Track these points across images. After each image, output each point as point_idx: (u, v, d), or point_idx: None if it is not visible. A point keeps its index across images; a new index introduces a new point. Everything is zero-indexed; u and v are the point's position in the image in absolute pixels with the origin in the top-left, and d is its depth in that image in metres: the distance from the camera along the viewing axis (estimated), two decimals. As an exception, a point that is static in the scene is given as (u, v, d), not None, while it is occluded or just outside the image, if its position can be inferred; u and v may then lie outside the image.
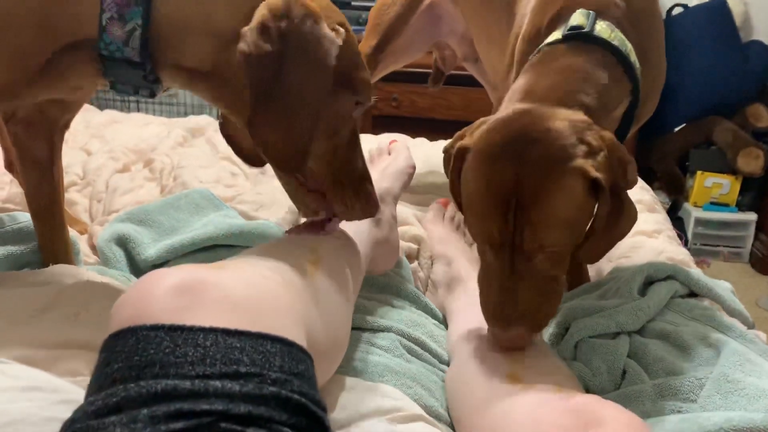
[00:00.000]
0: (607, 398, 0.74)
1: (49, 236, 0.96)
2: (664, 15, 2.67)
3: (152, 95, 0.73)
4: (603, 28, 0.80)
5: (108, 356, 0.44)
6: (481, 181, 0.71)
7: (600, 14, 0.82)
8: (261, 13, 0.63)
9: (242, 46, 0.63)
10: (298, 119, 0.65)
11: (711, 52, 2.50)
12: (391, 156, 1.15)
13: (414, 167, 1.14)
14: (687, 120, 2.65)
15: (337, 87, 0.68)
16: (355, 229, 0.85)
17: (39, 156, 0.92)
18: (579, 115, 0.72)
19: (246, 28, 0.63)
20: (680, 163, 2.68)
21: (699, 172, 2.55)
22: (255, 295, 0.50)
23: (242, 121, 0.69)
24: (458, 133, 0.79)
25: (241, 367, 0.43)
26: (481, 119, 0.76)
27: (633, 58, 0.81)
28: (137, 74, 0.70)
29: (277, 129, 0.65)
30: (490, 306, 0.73)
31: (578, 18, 0.81)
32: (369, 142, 1.75)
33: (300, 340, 0.50)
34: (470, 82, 1.69)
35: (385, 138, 1.55)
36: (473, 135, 0.74)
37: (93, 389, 0.43)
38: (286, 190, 0.77)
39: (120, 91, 0.73)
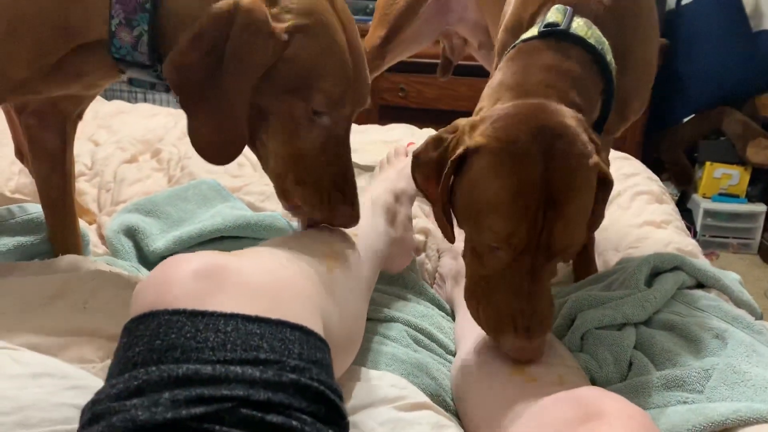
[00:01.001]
0: (614, 389, 0.74)
1: (60, 227, 0.97)
2: (673, 5, 2.65)
3: (168, 90, 0.74)
4: (579, 26, 0.78)
5: (129, 340, 0.44)
6: (507, 179, 0.66)
7: (578, 11, 0.79)
8: (200, 21, 0.65)
9: (171, 53, 0.65)
10: (219, 122, 0.67)
11: (721, 42, 2.48)
12: (398, 158, 1.15)
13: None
14: (696, 110, 2.63)
15: (283, 93, 0.68)
16: (371, 227, 0.86)
17: (51, 147, 0.93)
18: (578, 114, 0.71)
19: (182, 36, 0.65)
20: (689, 154, 2.66)
21: (708, 163, 2.53)
22: (274, 283, 0.50)
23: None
24: (432, 136, 0.75)
25: (261, 354, 0.43)
26: (469, 120, 0.73)
27: (609, 57, 0.79)
28: (149, 74, 0.73)
29: (202, 127, 0.67)
30: (505, 316, 0.67)
31: (554, 15, 0.79)
32: (375, 133, 1.76)
33: (318, 329, 0.50)
34: (478, 72, 1.68)
35: (404, 139, 1.54)
36: (475, 134, 0.70)
37: (115, 372, 0.43)
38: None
39: (137, 85, 0.77)
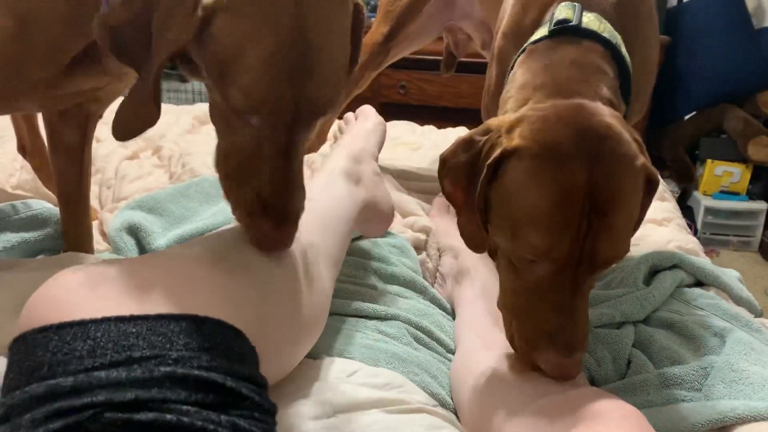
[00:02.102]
0: (612, 388, 0.75)
1: (73, 222, 0.97)
2: (675, 2, 2.65)
3: (183, 80, 0.73)
4: (591, 20, 0.76)
5: (6, 367, 0.43)
6: (548, 187, 0.60)
7: (585, 6, 0.77)
8: None
9: (102, 13, 0.60)
10: (133, 91, 0.61)
11: (722, 39, 2.47)
12: (359, 119, 1.16)
13: (384, 123, 1.15)
14: (697, 108, 2.63)
15: (212, 80, 0.59)
16: (331, 192, 0.84)
17: (70, 142, 0.94)
18: (615, 112, 0.67)
19: None
20: (690, 152, 2.66)
21: (709, 161, 2.53)
22: (163, 278, 0.48)
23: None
24: (462, 137, 0.69)
25: (135, 352, 0.41)
26: (503, 121, 0.67)
27: (623, 51, 0.77)
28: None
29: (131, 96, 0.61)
30: (543, 332, 0.62)
31: (564, 11, 0.77)
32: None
33: (221, 314, 0.48)
34: (480, 69, 1.69)
35: (405, 137, 1.54)
36: (513, 136, 0.64)
37: None
38: None
39: None
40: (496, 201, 0.65)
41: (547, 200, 0.60)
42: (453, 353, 0.84)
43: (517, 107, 0.71)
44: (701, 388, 0.71)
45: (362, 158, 0.98)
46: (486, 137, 0.67)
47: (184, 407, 0.41)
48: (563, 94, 0.69)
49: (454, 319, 0.93)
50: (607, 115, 0.64)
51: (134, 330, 0.42)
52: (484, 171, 0.64)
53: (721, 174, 2.53)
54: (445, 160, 0.70)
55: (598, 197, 0.59)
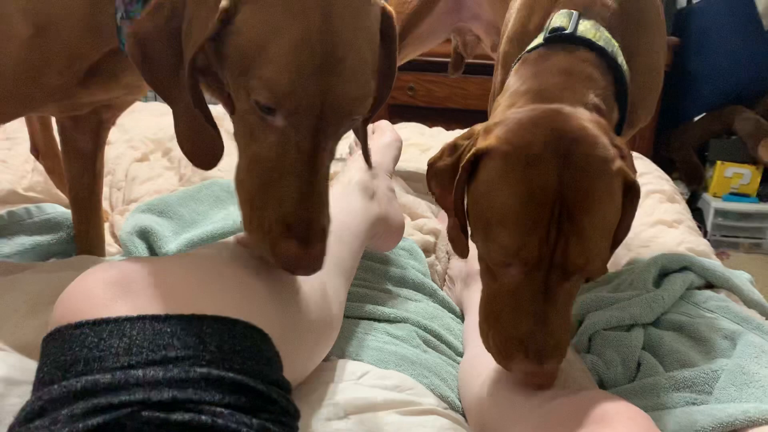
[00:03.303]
0: (621, 390, 0.75)
1: (86, 226, 0.98)
2: (684, 3, 2.64)
3: None
4: (587, 28, 0.76)
5: (40, 361, 0.44)
6: (517, 186, 0.60)
7: (584, 14, 0.77)
8: None
9: (130, 25, 0.60)
10: (185, 113, 0.58)
11: (733, 40, 2.46)
12: (376, 133, 1.16)
13: (400, 140, 1.16)
14: (707, 109, 2.61)
15: (236, 77, 0.56)
16: (347, 205, 0.85)
17: (83, 148, 0.95)
18: (599, 118, 0.67)
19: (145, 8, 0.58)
20: (700, 153, 2.64)
21: (719, 162, 2.52)
22: (194, 278, 0.49)
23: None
24: (448, 143, 0.71)
25: (170, 352, 0.42)
26: (482, 125, 0.68)
27: (620, 59, 0.76)
28: None
29: (179, 126, 0.60)
30: (514, 338, 0.62)
31: (559, 19, 0.77)
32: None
33: (250, 316, 0.48)
34: (488, 71, 1.69)
35: (414, 138, 1.54)
36: (488, 137, 0.65)
37: (31, 394, 0.43)
38: None
39: None
40: (471, 202, 0.66)
41: (515, 199, 0.60)
42: (462, 356, 0.84)
43: (503, 113, 0.71)
44: (712, 391, 0.71)
45: (377, 173, 0.98)
46: (468, 141, 0.68)
47: (218, 409, 0.41)
48: (545, 99, 0.69)
49: (463, 322, 0.93)
50: (585, 119, 0.64)
51: (169, 329, 0.43)
52: (460, 171, 0.65)
53: (731, 175, 2.51)
54: (431, 165, 0.71)
55: (568, 199, 0.59)
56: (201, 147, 0.61)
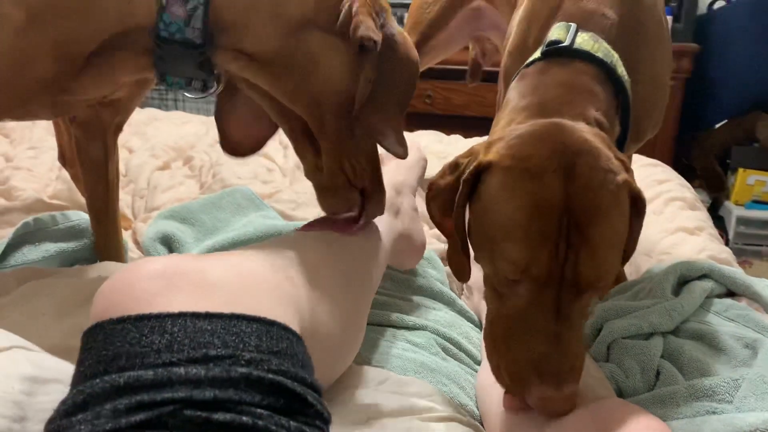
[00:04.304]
0: (641, 399, 0.74)
1: (104, 235, 1.00)
2: (705, 9, 2.62)
3: (205, 88, 0.71)
4: (585, 40, 0.75)
5: (81, 354, 0.44)
6: (522, 200, 0.59)
7: (583, 26, 0.76)
8: (359, 4, 0.63)
9: (367, 32, 0.64)
10: (391, 110, 0.69)
11: (753, 46, 2.43)
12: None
13: (426, 160, 1.17)
14: (729, 116, 2.59)
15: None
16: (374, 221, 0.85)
17: (95, 156, 0.96)
18: (599, 131, 0.67)
19: (360, 17, 0.64)
20: (721, 161, 2.62)
21: (741, 170, 2.49)
22: (235, 277, 0.49)
23: (298, 109, 0.70)
24: (448, 162, 0.70)
25: (210, 351, 0.41)
26: (483, 142, 0.68)
27: (620, 70, 0.75)
28: (192, 61, 0.67)
29: (381, 117, 0.69)
30: (528, 362, 0.59)
31: (557, 32, 0.76)
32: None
33: (286, 319, 0.48)
34: (505, 79, 1.69)
35: (431, 146, 1.54)
36: (489, 152, 0.64)
37: (71, 388, 0.43)
38: (316, 185, 0.75)
39: (170, 84, 0.70)
40: (474, 219, 0.65)
41: (521, 212, 0.59)
42: (480, 364, 0.85)
43: (503, 129, 0.70)
44: (732, 401, 0.71)
45: (403, 191, 0.99)
46: (469, 158, 0.67)
47: (258, 410, 0.41)
48: (545, 114, 0.68)
49: (481, 330, 0.93)
50: (587, 132, 0.64)
51: (209, 328, 0.43)
52: (461, 186, 0.64)
53: (753, 183, 2.48)
54: (432, 184, 0.70)
55: (575, 212, 0.58)
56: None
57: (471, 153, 0.68)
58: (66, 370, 0.56)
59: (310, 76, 0.67)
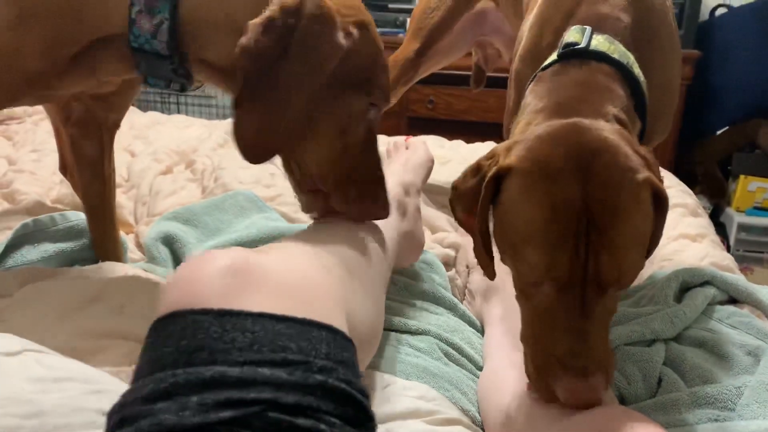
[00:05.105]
0: (643, 406, 0.74)
1: (101, 234, 1.00)
2: (707, 16, 2.62)
3: (182, 89, 0.75)
4: (601, 42, 0.75)
5: (156, 340, 0.43)
6: (540, 203, 0.59)
7: (597, 29, 0.77)
8: (272, 8, 0.64)
9: (243, 39, 0.64)
10: (276, 117, 0.66)
11: (755, 53, 2.44)
12: (410, 150, 1.18)
13: (433, 160, 1.18)
14: (730, 122, 2.59)
15: (347, 88, 0.68)
16: (382, 221, 0.86)
17: (91, 155, 0.97)
18: (620, 128, 0.67)
19: (251, 21, 0.64)
20: (723, 167, 2.62)
21: (742, 176, 2.49)
22: (301, 281, 0.49)
23: None
24: (471, 165, 0.71)
25: (289, 355, 0.42)
26: (503, 144, 0.69)
27: (636, 71, 0.76)
28: (166, 67, 0.72)
29: (255, 122, 0.66)
30: (554, 357, 0.60)
31: (573, 35, 0.77)
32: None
33: (343, 328, 0.49)
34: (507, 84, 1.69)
35: (434, 151, 1.55)
36: (509, 156, 0.65)
37: (143, 373, 0.42)
38: (291, 185, 0.78)
39: (153, 84, 0.75)
40: (497, 223, 0.66)
41: (539, 216, 0.59)
42: (481, 370, 0.85)
43: (522, 132, 0.71)
44: (734, 408, 0.70)
45: (410, 191, 1.00)
46: (490, 161, 0.68)
47: (333, 419, 0.41)
48: (563, 114, 0.68)
49: (482, 335, 0.93)
50: (604, 130, 0.63)
51: (286, 331, 0.43)
52: (483, 191, 0.65)
53: (755, 190, 2.48)
54: (455, 187, 0.71)
55: (594, 212, 0.58)
56: (268, 144, 0.67)
57: (493, 155, 0.68)
58: (77, 369, 0.57)
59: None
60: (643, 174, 0.61)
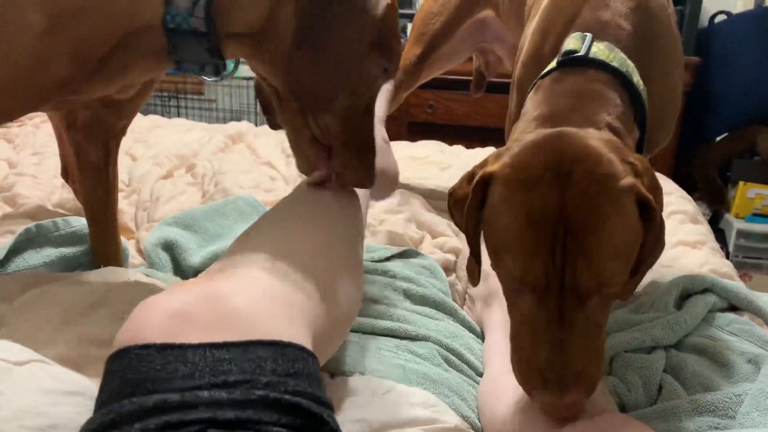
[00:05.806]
0: (643, 414, 0.74)
1: (102, 239, 1.00)
2: (706, 23, 2.63)
3: (217, 73, 0.75)
4: (600, 50, 0.75)
5: (105, 377, 0.46)
6: (517, 210, 0.60)
7: (598, 36, 0.77)
8: None
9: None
10: (336, 62, 0.69)
11: (754, 59, 2.45)
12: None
13: (390, 90, 1.18)
14: (729, 129, 2.60)
15: (376, 49, 0.71)
16: None
17: (95, 160, 0.97)
18: (610, 135, 0.67)
19: None
20: (722, 173, 2.62)
21: (741, 183, 2.49)
22: (250, 303, 0.51)
23: (279, 77, 0.72)
24: (466, 172, 0.71)
25: (229, 377, 0.44)
26: (495, 151, 0.69)
27: (636, 78, 0.76)
28: (202, 47, 0.71)
29: (314, 67, 0.68)
30: (534, 368, 0.60)
31: (572, 42, 0.77)
32: (405, 149, 1.78)
33: (299, 336, 0.51)
34: (507, 90, 1.69)
35: (433, 156, 1.53)
36: (495, 164, 0.65)
37: (96, 408, 0.45)
38: (290, 140, 0.78)
39: (186, 70, 0.74)
40: (484, 230, 0.67)
41: (516, 222, 0.60)
42: (482, 376, 0.85)
43: (515, 140, 0.71)
44: (735, 416, 0.71)
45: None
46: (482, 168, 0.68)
47: (276, 428, 0.43)
48: (554, 123, 0.69)
49: (482, 341, 0.93)
50: (589, 138, 0.63)
51: (227, 356, 0.45)
52: (469, 197, 0.66)
53: (754, 196, 2.49)
54: (451, 194, 0.72)
55: (571, 219, 0.58)
56: (323, 92, 0.70)
57: (485, 163, 0.69)
58: (83, 383, 0.58)
59: (283, 43, 0.70)
60: (627, 181, 0.60)
